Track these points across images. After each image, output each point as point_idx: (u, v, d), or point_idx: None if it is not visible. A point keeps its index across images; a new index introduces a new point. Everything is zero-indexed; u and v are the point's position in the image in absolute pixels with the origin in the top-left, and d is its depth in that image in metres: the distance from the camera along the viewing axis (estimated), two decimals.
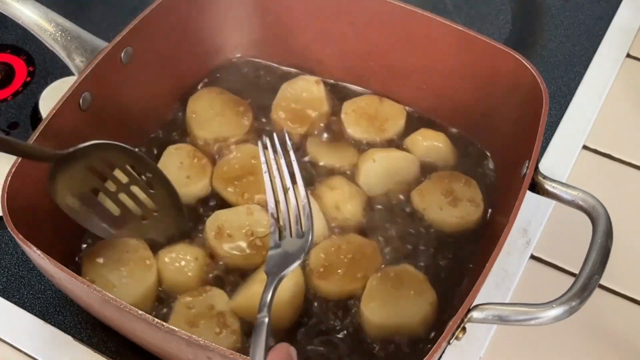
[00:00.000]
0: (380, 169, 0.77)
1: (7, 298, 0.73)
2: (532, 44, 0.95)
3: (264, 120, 0.82)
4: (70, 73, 0.73)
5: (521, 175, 0.66)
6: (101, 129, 0.73)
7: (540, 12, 0.99)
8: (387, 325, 0.67)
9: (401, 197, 0.76)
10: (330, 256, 0.71)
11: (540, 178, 0.65)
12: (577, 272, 0.58)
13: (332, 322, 0.69)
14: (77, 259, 0.72)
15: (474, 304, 0.57)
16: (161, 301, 0.69)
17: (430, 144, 0.79)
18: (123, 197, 0.70)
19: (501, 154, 0.78)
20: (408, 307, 0.67)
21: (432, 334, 0.67)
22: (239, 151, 0.78)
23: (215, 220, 0.73)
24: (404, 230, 0.74)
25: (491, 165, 0.79)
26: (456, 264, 0.72)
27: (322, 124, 0.81)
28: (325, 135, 0.81)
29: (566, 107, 0.88)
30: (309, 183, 0.76)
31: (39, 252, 0.59)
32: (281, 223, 0.63)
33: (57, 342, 0.71)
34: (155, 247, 0.71)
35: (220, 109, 0.81)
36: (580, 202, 0.64)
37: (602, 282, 0.61)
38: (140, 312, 0.56)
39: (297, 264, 0.61)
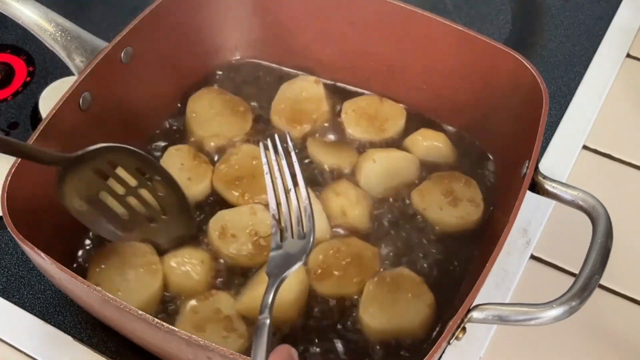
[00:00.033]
0: (380, 169, 0.77)
1: (7, 298, 0.73)
2: (532, 44, 0.95)
3: (264, 120, 0.82)
4: (70, 73, 0.73)
5: (521, 175, 0.66)
6: (101, 129, 0.73)
7: (540, 12, 0.99)
8: (387, 330, 0.67)
9: (401, 197, 0.76)
10: (329, 258, 0.71)
11: (540, 178, 0.65)
12: (577, 272, 0.58)
13: (332, 323, 0.69)
14: (77, 259, 0.72)
15: (474, 304, 0.57)
16: (167, 305, 0.69)
17: (430, 144, 0.79)
18: (131, 200, 0.69)
19: (501, 154, 0.78)
20: (407, 310, 0.67)
21: (433, 335, 0.67)
22: (239, 151, 0.78)
23: (219, 220, 0.73)
24: (403, 231, 0.74)
25: (491, 165, 0.79)
26: (456, 264, 0.72)
27: (322, 124, 0.81)
28: (325, 135, 0.81)
29: (566, 107, 0.88)
30: (310, 183, 0.76)
31: (39, 252, 0.59)
32: (282, 224, 0.63)
33: (57, 342, 0.71)
34: (163, 250, 0.71)
35: (221, 109, 0.81)
36: (580, 202, 0.64)
37: (602, 282, 0.61)
38: (140, 312, 0.56)
39: (298, 265, 0.61)
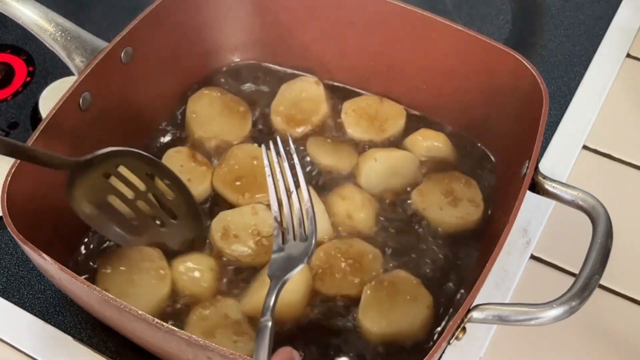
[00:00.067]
0: (381, 169, 0.77)
1: (7, 298, 0.73)
2: (532, 44, 0.95)
3: (263, 120, 0.82)
4: (70, 73, 0.73)
5: (521, 175, 0.66)
6: (101, 129, 0.73)
7: (540, 12, 0.99)
8: (387, 333, 0.67)
9: (401, 197, 0.76)
10: (331, 258, 0.71)
11: (540, 178, 0.65)
12: (577, 272, 0.58)
13: (332, 323, 0.69)
14: (77, 259, 0.72)
15: (474, 304, 0.57)
16: (175, 311, 0.69)
17: (431, 144, 0.79)
18: (140, 204, 0.69)
19: (501, 154, 0.78)
20: (406, 313, 0.67)
21: (433, 336, 0.67)
22: (238, 151, 0.78)
23: (221, 221, 0.73)
24: (403, 231, 0.74)
25: (491, 165, 0.79)
26: (456, 264, 0.72)
27: (322, 124, 0.81)
28: (325, 135, 0.81)
29: (566, 107, 0.88)
30: (309, 183, 0.76)
31: (39, 252, 0.59)
32: (284, 226, 0.63)
33: (57, 342, 0.71)
34: (173, 254, 0.71)
35: (221, 109, 0.81)
36: (580, 202, 0.64)
37: (602, 282, 0.61)
38: (140, 312, 0.56)
39: (300, 267, 0.61)
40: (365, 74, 0.83)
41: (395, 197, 0.76)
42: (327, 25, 0.82)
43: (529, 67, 0.71)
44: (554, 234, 0.78)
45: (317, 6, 0.81)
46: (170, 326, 0.55)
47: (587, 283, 0.57)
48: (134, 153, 0.68)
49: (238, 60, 0.86)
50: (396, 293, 0.68)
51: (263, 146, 0.68)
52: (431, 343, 0.67)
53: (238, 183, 0.76)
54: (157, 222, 0.70)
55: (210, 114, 0.80)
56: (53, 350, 0.70)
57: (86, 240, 0.73)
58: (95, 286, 0.58)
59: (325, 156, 0.78)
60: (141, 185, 0.69)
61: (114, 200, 0.68)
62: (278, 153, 0.67)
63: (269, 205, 0.73)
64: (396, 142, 0.80)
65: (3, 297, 0.73)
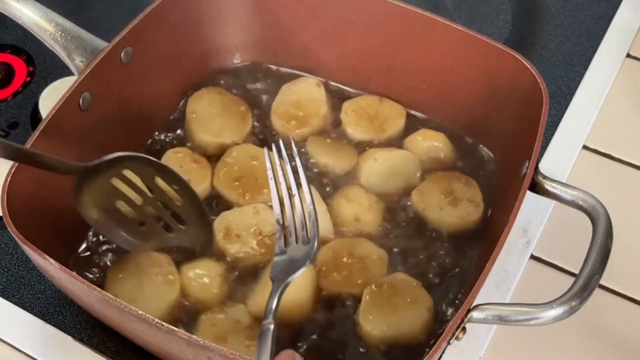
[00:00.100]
0: (381, 169, 0.77)
1: (7, 298, 0.73)
2: (532, 44, 0.95)
3: (264, 121, 0.82)
4: (70, 73, 0.73)
5: (521, 175, 0.66)
6: (101, 129, 0.73)
7: (540, 12, 0.99)
8: (388, 336, 0.67)
9: (401, 196, 0.76)
10: (336, 257, 0.71)
11: (540, 178, 0.65)
12: (577, 272, 0.58)
13: (333, 323, 0.69)
14: (77, 259, 0.72)
15: (474, 304, 0.57)
16: (185, 316, 0.68)
17: (431, 144, 0.79)
18: (148, 209, 0.69)
19: (501, 154, 0.78)
20: (406, 315, 0.67)
21: (434, 338, 0.67)
22: (238, 152, 0.78)
23: (223, 221, 0.73)
24: (403, 231, 0.74)
25: (491, 165, 0.79)
26: (456, 265, 0.72)
27: (322, 125, 0.81)
28: (325, 135, 0.81)
29: (566, 107, 0.88)
30: (310, 184, 0.76)
31: (39, 252, 0.59)
32: (287, 229, 0.63)
33: (57, 342, 0.71)
34: (181, 260, 0.71)
35: (221, 109, 0.81)
36: (580, 202, 0.64)
37: (602, 282, 0.61)
38: (140, 312, 0.56)
39: (302, 270, 0.61)
40: (365, 74, 0.83)
41: (395, 197, 0.76)
42: (327, 25, 0.82)
43: (529, 67, 0.71)
44: (554, 234, 0.78)
45: (317, 6, 0.81)
46: (170, 326, 0.55)
47: (587, 283, 0.57)
48: (141, 158, 0.68)
49: (238, 60, 0.86)
50: (396, 296, 0.68)
51: (265, 149, 0.68)
52: (431, 343, 0.67)
53: (238, 183, 0.76)
54: (165, 227, 0.70)
55: (210, 114, 0.80)
56: (53, 350, 0.70)
57: (86, 240, 0.73)
58: (95, 286, 0.58)
59: (325, 156, 0.78)
60: (149, 191, 0.68)
61: (122, 206, 0.68)
62: (280, 156, 0.67)
63: (270, 205, 0.73)
64: (396, 142, 0.80)
65: (3, 297, 0.73)
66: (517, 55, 0.72)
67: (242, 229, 0.72)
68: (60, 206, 0.68)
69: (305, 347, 0.67)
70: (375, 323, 0.67)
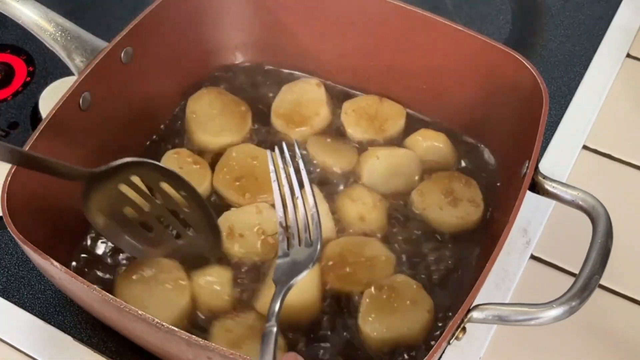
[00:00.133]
0: (383, 167, 0.77)
1: (7, 298, 0.73)
2: (532, 44, 0.95)
3: (263, 121, 0.82)
4: (70, 73, 0.73)
5: (521, 175, 0.66)
6: (101, 129, 0.73)
7: (540, 12, 0.99)
8: (387, 339, 0.67)
9: (401, 196, 0.76)
10: (345, 253, 0.71)
11: (540, 178, 0.65)
12: (577, 272, 0.58)
13: (334, 322, 0.69)
14: (77, 259, 0.72)
15: (474, 304, 0.57)
16: (197, 323, 0.68)
17: (431, 144, 0.79)
18: (157, 215, 0.68)
19: (501, 154, 0.78)
20: (406, 318, 0.67)
21: (434, 339, 0.67)
22: (238, 152, 0.78)
23: (226, 221, 0.73)
24: (404, 231, 0.74)
25: (491, 165, 0.79)
26: (456, 264, 0.72)
27: (322, 125, 0.81)
28: (325, 135, 0.81)
29: (566, 107, 0.88)
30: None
31: (39, 252, 0.59)
32: (290, 232, 0.63)
33: (57, 342, 0.71)
34: (190, 267, 0.70)
35: (221, 110, 0.81)
36: (580, 202, 0.64)
37: (602, 282, 0.61)
38: (140, 312, 0.56)
39: (305, 273, 0.61)
40: (365, 74, 0.83)
41: (396, 196, 0.76)
42: (327, 25, 0.82)
43: (529, 67, 0.71)
44: (554, 234, 0.78)
45: (317, 6, 0.81)
46: (170, 326, 0.55)
47: (587, 283, 0.57)
48: (149, 164, 0.67)
49: (238, 60, 0.86)
50: (396, 298, 0.68)
51: (268, 151, 0.68)
52: (431, 343, 0.67)
53: (238, 183, 0.75)
54: (174, 234, 0.69)
55: (210, 114, 0.80)
56: (53, 350, 0.70)
57: (86, 240, 0.73)
58: (95, 286, 0.58)
59: (325, 156, 0.78)
60: (157, 197, 0.68)
61: (130, 212, 0.67)
62: (283, 158, 0.67)
63: (272, 204, 0.73)
64: (396, 143, 0.80)
65: (3, 297, 0.73)
66: (517, 55, 0.72)
67: (245, 229, 0.72)
68: (60, 206, 0.68)
69: (305, 347, 0.67)
70: (374, 325, 0.67)
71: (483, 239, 0.73)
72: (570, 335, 0.72)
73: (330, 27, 0.82)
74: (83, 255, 0.72)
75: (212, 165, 0.78)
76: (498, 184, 0.77)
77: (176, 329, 0.55)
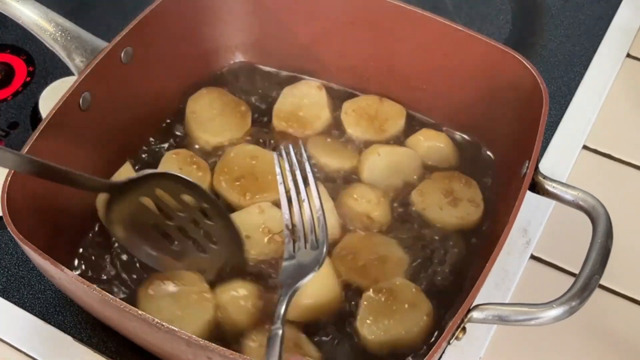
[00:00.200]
0: (384, 164, 0.77)
1: (7, 298, 0.73)
2: (532, 44, 0.95)
3: (263, 121, 0.82)
4: (70, 73, 0.73)
5: (521, 175, 0.66)
6: (101, 129, 0.73)
7: (540, 12, 0.99)
8: (384, 342, 0.67)
9: (401, 196, 0.76)
10: (360, 247, 0.71)
11: (540, 178, 0.65)
12: (577, 272, 0.58)
13: (334, 323, 0.69)
14: (77, 259, 0.72)
15: (474, 304, 0.57)
16: (223, 336, 0.67)
17: (432, 144, 0.79)
18: (178, 228, 0.68)
19: (501, 154, 0.78)
20: (404, 321, 0.67)
21: (432, 341, 0.67)
22: (238, 152, 0.78)
23: None
24: (403, 230, 0.74)
25: (491, 165, 0.79)
26: (456, 264, 0.72)
27: (323, 127, 0.81)
28: (325, 135, 0.81)
29: (566, 107, 0.88)
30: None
31: (39, 252, 0.59)
32: (296, 234, 0.63)
33: (57, 342, 0.71)
34: (212, 280, 0.69)
35: (221, 109, 0.81)
36: (580, 202, 0.64)
37: (602, 282, 0.61)
38: (140, 312, 0.56)
39: (311, 275, 0.61)
40: (365, 74, 0.83)
41: (396, 195, 0.76)
42: (327, 25, 0.82)
43: (529, 67, 0.71)
44: (554, 234, 0.78)
45: (317, 6, 0.81)
46: (170, 326, 0.55)
47: (587, 283, 0.57)
48: (171, 176, 0.67)
49: (238, 60, 0.86)
50: (394, 301, 0.68)
51: (275, 154, 0.68)
52: (431, 344, 0.67)
53: (238, 184, 0.75)
54: (196, 247, 0.69)
55: (210, 114, 0.80)
56: (53, 350, 0.70)
57: (87, 240, 0.73)
58: (95, 286, 0.58)
59: (325, 156, 0.78)
60: (179, 209, 0.68)
61: (151, 224, 0.67)
62: (290, 160, 0.67)
63: (273, 203, 0.73)
64: (397, 142, 0.80)
65: (3, 297, 0.73)
66: (517, 55, 0.72)
67: (250, 230, 0.71)
68: (61, 206, 0.68)
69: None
70: (371, 328, 0.67)
71: (483, 239, 0.73)
72: (570, 335, 0.72)
73: (330, 27, 0.82)
74: (83, 255, 0.72)
75: (212, 166, 0.78)
76: (498, 184, 0.77)
77: (176, 329, 0.55)
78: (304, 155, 0.67)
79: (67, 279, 0.59)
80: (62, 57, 0.73)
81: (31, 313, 0.72)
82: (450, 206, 0.75)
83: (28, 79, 0.91)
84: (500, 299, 0.73)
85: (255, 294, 0.68)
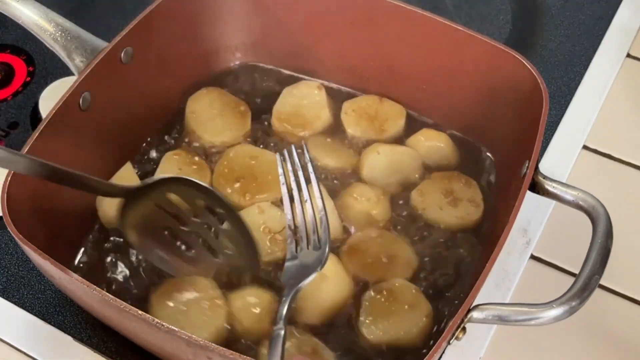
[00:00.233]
0: (383, 163, 0.77)
1: (7, 298, 0.73)
2: (532, 44, 0.95)
3: (263, 121, 0.82)
4: (70, 73, 0.73)
5: (521, 175, 0.66)
6: (101, 129, 0.73)
7: (540, 12, 0.99)
8: (384, 342, 0.67)
9: (401, 196, 0.76)
10: (370, 244, 0.71)
11: (540, 178, 0.65)
12: (577, 272, 0.58)
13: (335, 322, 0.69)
14: (77, 259, 0.72)
15: (474, 304, 0.57)
16: (234, 343, 0.66)
17: (433, 144, 0.79)
18: (193, 233, 0.68)
19: (501, 154, 0.78)
20: (404, 322, 0.67)
21: (431, 342, 0.67)
22: (238, 152, 0.78)
23: None
24: (403, 230, 0.74)
25: (491, 165, 0.79)
26: (456, 265, 0.72)
27: (323, 128, 0.81)
28: (325, 135, 0.81)
29: (566, 107, 0.88)
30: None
31: (39, 252, 0.59)
32: (298, 235, 0.63)
33: (57, 342, 0.71)
34: (226, 286, 0.69)
35: (221, 109, 0.81)
36: (580, 202, 0.63)
37: (602, 282, 0.61)
38: (140, 312, 0.56)
39: (314, 276, 0.61)
40: (365, 74, 0.83)
41: (396, 193, 0.76)
42: (327, 25, 0.82)
43: (529, 67, 0.71)
44: (554, 234, 0.78)
45: (317, 6, 0.81)
46: (170, 326, 0.55)
47: (587, 283, 0.57)
48: (186, 180, 0.67)
49: (238, 60, 0.86)
50: (394, 301, 0.68)
51: (278, 155, 0.68)
52: (431, 344, 0.67)
53: (238, 184, 0.75)
54: (211, 252, 0.69)
55: (210, 114, 0.80)
56: (53, 350, 0.70)
57: (87, 240, 0.73)
58: (95, 286, 0.58)
59: (325, 156, 0.78)
60: (193, 214, 0.67)
61: (165, 229, 0.67)
62: (292, 161, 0.67)
63: (272, 203, 0.73)
64: (397, 142, 0.80)
65: (3, 297, 0.73)
66: (517, 55, 0.72)
67: (252, 230, 0.71)
68: (61, 206, 0.68)
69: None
70: (370, 328, 0.67)
71: (483, 239, 0.73)
72: (570, 335, 0.72)
73: (330, 27, 0.82)
74: (83, 255, 0.72)
75: (212, 166, 0.78)
76: (498, 184, 0.77)
77: (176, 329, 0.55)
78: (307, 156, 0.67)
79: (67, 279, 0.59)
80: (62, 57, 0.73)
81: (31, 313, 0.72)
82: (450, 206, 0.75)
83: (28, 79, 0.91)
84: (500, 299, 0.73)
85: (268, 300, 0.68)
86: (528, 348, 0.71)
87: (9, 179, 0.63)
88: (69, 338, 0.71)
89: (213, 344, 0.54)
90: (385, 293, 0.68)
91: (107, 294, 0.57)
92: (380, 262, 0.71)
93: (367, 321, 0.67)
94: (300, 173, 0.66)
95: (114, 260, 0.72)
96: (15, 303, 0.73)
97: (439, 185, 0.76)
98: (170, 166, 0.76)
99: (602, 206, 0.62)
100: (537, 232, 0.78)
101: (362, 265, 0.71)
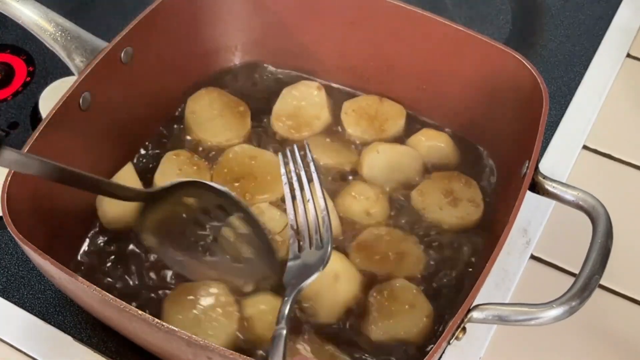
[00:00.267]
0: (383, 162, 0.77)
1: (7, 298, 0.73)
2: (532, 44, 0.95)
3: (263, 121, 0.82)
4: (70, 73, 0.73)
5: (521, 175, 0.66)
6: (101, 129, 0.73)
7: (540, 12, 0.99)
8: (384, 341, 0.67)
9: (401, 196, 0.76)
10: (380, 241, 0.72)
11: (540, 178, 0.65)
12: (577, 272, 0.58)
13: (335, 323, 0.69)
14: (77, 259, 0.72)
15: (474, 304, 0.57)
16: (246, 349, 0.66)
17: (433, 144, 0.79)
18: (211, 237, 0.68)
19: (501, 154, 0.78)
20: (404, 322, 0.67)
21: (431, 342, 0.67)
22: (238, 152, 0.78)
23: None
24: (403, 230, 0.74)
25: (491, 165, 0.79)
26: (456, 265, 0.72)
27: (322, 128, 0.81)
28: (325, 135, 0.81)
29: (566, 107, 0.88)
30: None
31: (39, 252, 0.59)
32: (300, 234, 0.63)
33: (57, 342, 0.71)
34: (242, 291, 0.68)
35: (220, 110, 0.81)
36: (580, 202, 0.64)
37: (602, 282, 0.61)
38: (140, 312, 0.56)
39: (316, 275, 0.61)
40: (365, 74, 0.83)
41: (395, 195, 0.76)
42: (327, 25, 0.82)
43: (529, 67, 0.71)
44: (554, 234, 0.78)
45: (317, 6, 0.81)
46: (170, 326, 0.55)
47: (587, 283, 0.57)
48: (204, 184, 0.67)
49: (238, 60, 0.86)
50: (395, 301, 0.68)
51: (280, 155, 0.68)
52: (430, 346, 0.67)
53: (238, 184, 0.75)
54: (229, 257, 0.68)
55: (210, 114, 0.80)
56: (53, 350, 0.70)
57: (87, 240, 0.73)
58: (95, 286, 0.58)
59: (325, 156, 0.78)
60: (211, 217, 0.68)
61: (183, 233, 0.67)
62: (295, 161, 0.67)
63: (272, 203, 0.73)
64: (397, 142, 0.80)
65: (3, 297, 0.73)
66: (517, 55, 0.72)
67: (270, 234, 0.71)
68: (61, 206, 0.68)
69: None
70: (370, 329, 0.67)
71: (483, 239, 0.73)
72: (570, 335, 0.72)
73: (330, 27, 0.82)
74: (83, 255, 0.72)
75: (212, 166, 0.78)
76: (498, 184, 0.77)
77: (176, 329, 0.55)
78: (309, 156, 0.67)
79: (67, 279, 0.59)
80: (62, 57, 0.73)
81: (31, 313, 0.72)
82: (450, 206, 0.75)
83: (28, 79, 0.91)
84: (500, 299, 0.73)
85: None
86: (528, 348, 0.71)
87: (9, 179, 0.63)
88: (69, 338, 0.71)
89: (213, 344, 0.54)
90: (385, 293, 0.69)
91: (107, 294, 0.57)
92: (388, 260, 0.71)
93: (367, 321, 0.67)
94: (302, 173, 0.66)
95: (114, 260, 0.72)
96: (15, 303, 0.73)
97: (439, 185, 0.76)
98: (170, 166, 0.76)
99: (602, 206, 0.62)
100: (537, 232, 0.78)
101: (371, 261, 0.71)
